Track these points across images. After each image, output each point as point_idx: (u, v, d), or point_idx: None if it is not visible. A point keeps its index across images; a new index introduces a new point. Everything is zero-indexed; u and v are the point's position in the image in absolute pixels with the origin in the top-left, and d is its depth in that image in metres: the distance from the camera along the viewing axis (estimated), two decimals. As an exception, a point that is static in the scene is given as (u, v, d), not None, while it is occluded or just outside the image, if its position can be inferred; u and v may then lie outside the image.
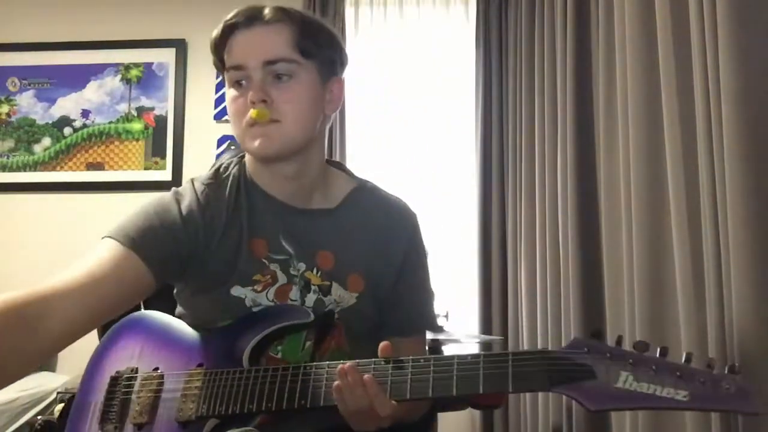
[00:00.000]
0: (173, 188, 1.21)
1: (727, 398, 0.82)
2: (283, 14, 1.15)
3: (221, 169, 1.25)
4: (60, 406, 2.54)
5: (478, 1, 3.17)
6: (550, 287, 2.41)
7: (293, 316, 1.14)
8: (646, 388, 0.84)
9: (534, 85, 2.70)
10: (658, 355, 0.86)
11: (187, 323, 1.22)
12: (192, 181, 1.24)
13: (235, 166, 1.25)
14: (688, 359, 0.85)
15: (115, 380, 1.16)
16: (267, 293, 1.16)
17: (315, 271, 1.19)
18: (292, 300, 1.17)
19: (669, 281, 1.55)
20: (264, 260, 1.18)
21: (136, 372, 1.15)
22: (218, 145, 3.29)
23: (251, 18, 1.15)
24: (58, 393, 2.64)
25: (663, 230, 1.61)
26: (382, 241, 1.24)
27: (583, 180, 2.20)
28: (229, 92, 1.17)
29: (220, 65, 1.20)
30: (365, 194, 1.29)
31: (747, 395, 0.82)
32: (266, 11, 1.15)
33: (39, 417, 2.56)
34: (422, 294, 1.30)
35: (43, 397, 2.72)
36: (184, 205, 1.17)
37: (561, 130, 2.38)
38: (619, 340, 0.88)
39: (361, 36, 3.24)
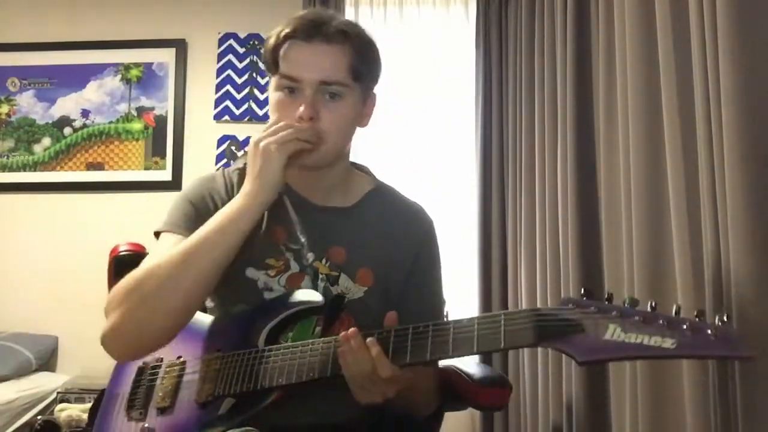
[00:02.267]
0: (204, 175, 1.31)
1: (715, 344, 0.82)
2: (344, 36, 1.17)
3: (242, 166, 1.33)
4: (61, 406, 2.55)
5: (478, 1, 3.17)
6: (550, 287, 2.41)
7: (304, 300, 1.17)
8: (634, 338, 0.84)
9: (534, 85, 2.70)
10: (649, 309, 0.86)
11: (209, 305, 1.27)
12: (223, 169, 1.32)
13: None
14: (677, 312, 0.86)
15: (141, 370, 1.23)
16: (279, 279, 1.21)
17: (324, 261, 1.22)
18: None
19: (669, 282, 1.55)
20: (281, 247, 1.23)
21: (161, 361, 1.22)
22: (218, 145, 3.29)
23: (312, 32, 1.16)
24: (58, 393, 2.65)
25: (663, 230, 1.61)
26: (395, 240, 1.27)
27: (583, 180, 2.20)
28: (277, 94, 1.19)
29: (273, 67, 1.20)
30: (383, 195, 1.33)
31: (733, 340, 0.82)
32: (328, 27, 1.16)
33: (39, 417, 2.56)
34: (432, 298, 1.31)
35: (43, 397, 2.73)
36: (215, 188, 1.27)
37: (561, 130, 2.38)
38: (610, 297, 0.89)
39: (361, 36, 3.24)
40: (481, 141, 3.07)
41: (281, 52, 1.17)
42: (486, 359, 2.91)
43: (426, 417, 1.32)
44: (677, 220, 1.52)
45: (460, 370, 1.27)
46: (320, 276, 1.21)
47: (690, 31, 1.46)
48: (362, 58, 1.18)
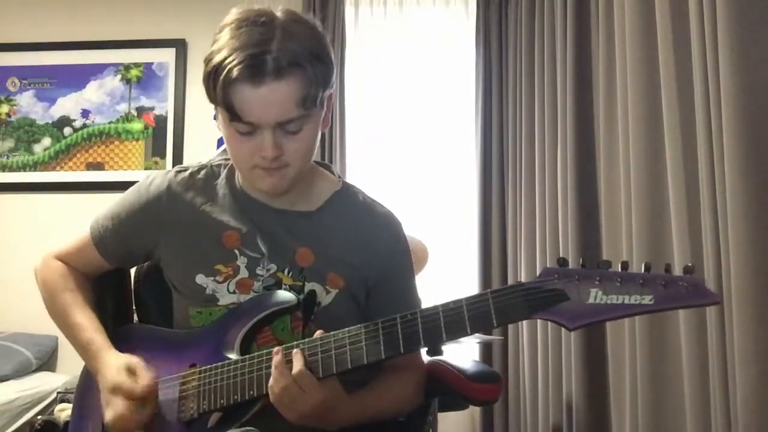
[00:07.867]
0: (150, 175, 1.28)
1: (687, 295, 0.89)
2: (292, 66, 1.05)
3: (206, 165, 1.28)
4: (61, 406, 2.54)
5: (478, 1, 3.17)
6: (550, 287, 2.41)
7: (277, 302, 1.14)
8: (615, 299, 0.90)
9: (534, 84, 2.71)
10: (620, 269, 0.92)
11: (176, 310, 1.25)
12: (173, 170, 1.27)
13: (223, 167, 1.27)
14: (648, 268, 0.91)
15: None
16: (228, 285, 1.18)
17: (287, 271, 1.18)
18: (255, 292, 1.17)
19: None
20: (235, 251, 1.18)
21: None
22: (218, 145, 3.28)
23: (256, 72, 1.04)
24: (58, 393, 2.65)
25: (663, 230, 1.61)
26: (363, 242, 1.22)
27: (583, 180, 2.20)
28: (230, 130, 1.11)
29: (222, 107, 1.09)
30: (348, 197, 1.27)
31: (702, 289, 0.89)
32: (274, 61, 1.04)
33: (39, 417, 2.56)
34: (410, 299, 1.27)
35: (43, 397, 2.73)
36: (152, 192, 1.24)
37: (561, 130, 2.38)
38: (584, 263, 0.93)
39: (361, 36, 3.24)
40: (481, 141, 3.07)
41: (229, 96, 1.06)
42: (486, 358, 2.91)
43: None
44: (677, 221, 1.52)
45: (453, 366, 1.26)
46: (284, 287, 1.16)
47: (690, 31, 1.47)
48: (315, 79, 1.07)
